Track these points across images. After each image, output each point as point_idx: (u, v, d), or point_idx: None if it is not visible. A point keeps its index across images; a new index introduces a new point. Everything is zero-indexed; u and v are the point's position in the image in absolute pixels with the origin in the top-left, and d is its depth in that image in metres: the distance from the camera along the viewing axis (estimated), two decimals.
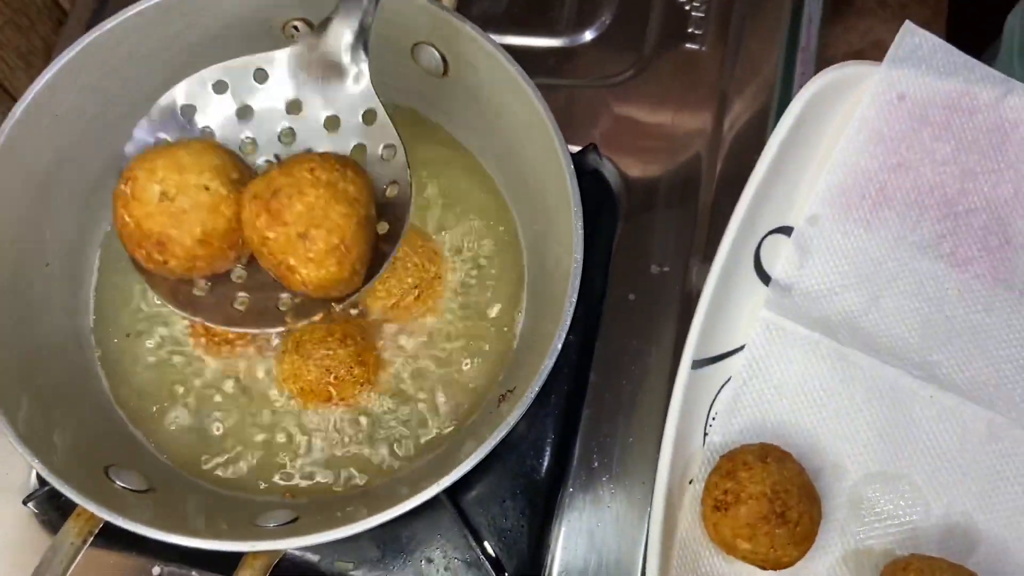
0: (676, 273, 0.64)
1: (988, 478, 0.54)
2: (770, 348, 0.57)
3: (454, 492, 0.58)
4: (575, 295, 0.49)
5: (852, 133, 0.59)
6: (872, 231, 0.59)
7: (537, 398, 0.50)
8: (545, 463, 0.60)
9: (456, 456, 0.47)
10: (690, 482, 0.54)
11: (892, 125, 0.59)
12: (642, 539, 0.57)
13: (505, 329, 0.59)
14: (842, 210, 0.59)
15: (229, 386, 0.59)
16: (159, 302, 0.53)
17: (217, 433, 0.58)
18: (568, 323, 0.49)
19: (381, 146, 0.50)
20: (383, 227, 0.49)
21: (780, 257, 0.59)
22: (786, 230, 0.59)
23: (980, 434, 0.55)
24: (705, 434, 0.56)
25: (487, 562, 0.56)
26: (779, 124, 0.58)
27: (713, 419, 0.56)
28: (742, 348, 0.57)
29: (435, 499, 0.52)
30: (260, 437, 0.58)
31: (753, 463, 0.51)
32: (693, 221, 0.66)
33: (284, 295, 0.49)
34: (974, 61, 0.57)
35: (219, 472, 0.57)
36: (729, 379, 0.57)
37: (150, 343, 0.59)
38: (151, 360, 0.59)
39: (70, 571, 0.47)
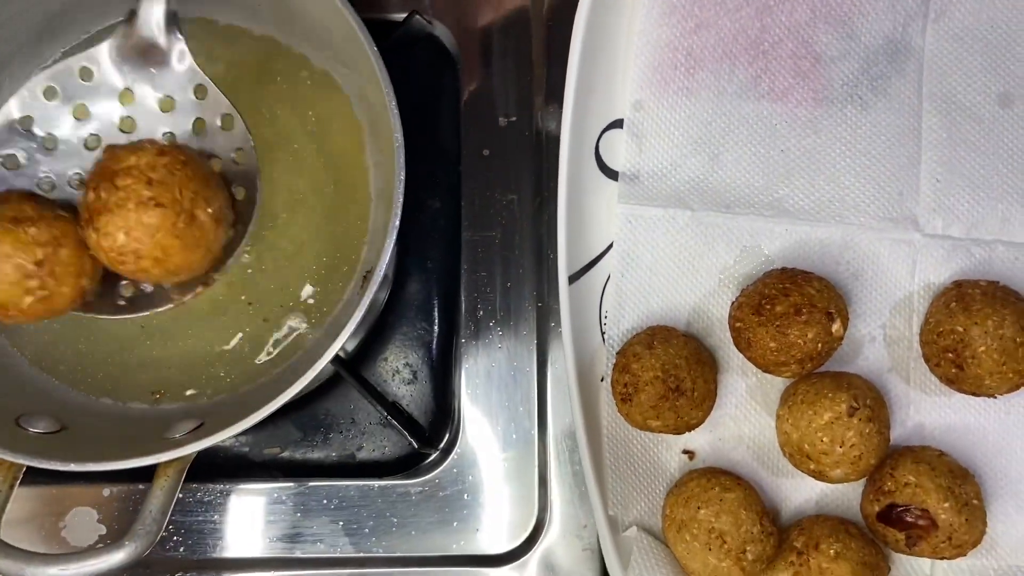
0: (524, 120, 0.68)
1: (846, 284, 0.61)
2: (635, 237, 0.62)
3: (356, 367, 0.67)
4: (403, 173, 0.55)
5: (645, 12, 0.61)
6: (694, 96, 0.62)
7: (415, 262, 0.62)
8: (435, 321, 0.69)
9: (334, 338, 0.54)
10: (601, 379, 0.61)
11: None
12: (533, 370, 0.65)
13: (359, 221, 0.63)
14: (661, 87, 0.62)
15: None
16: None
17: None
18: (400, 200, 0.54)
19: (218, 117, 0.54)
20: (240, 192, 0.55)
21: (620, 150, 0.63)
22: (617, 123, 0.63)
23: (836, 246, 0.61)
24: (602, 332, 0.62)
25: (396, 420, 0.64)
26: (574, 29, 0.60)
27: (605, 317, 0.62)
28: (611, 246, 0.62)
29: (339, 379, 0.64)
30: (151, 352, 0.63)
31: (641, 352, 0.57)
32: (530, 66, 0.69)
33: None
34: None
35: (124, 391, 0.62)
36: (609, 276, 0.62)
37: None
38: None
39: (6, 513, 0.53)
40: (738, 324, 0.57)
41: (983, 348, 0.54)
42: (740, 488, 0.56)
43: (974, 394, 0.57)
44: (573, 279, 0.61)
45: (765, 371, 0.58)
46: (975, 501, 0.55)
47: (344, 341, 0.53)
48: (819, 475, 0.56)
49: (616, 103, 0.63)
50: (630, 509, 0.60)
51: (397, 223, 0.54)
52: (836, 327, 0.55)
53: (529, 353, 0.65)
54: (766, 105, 0.62)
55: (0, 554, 0.50)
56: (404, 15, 0.67)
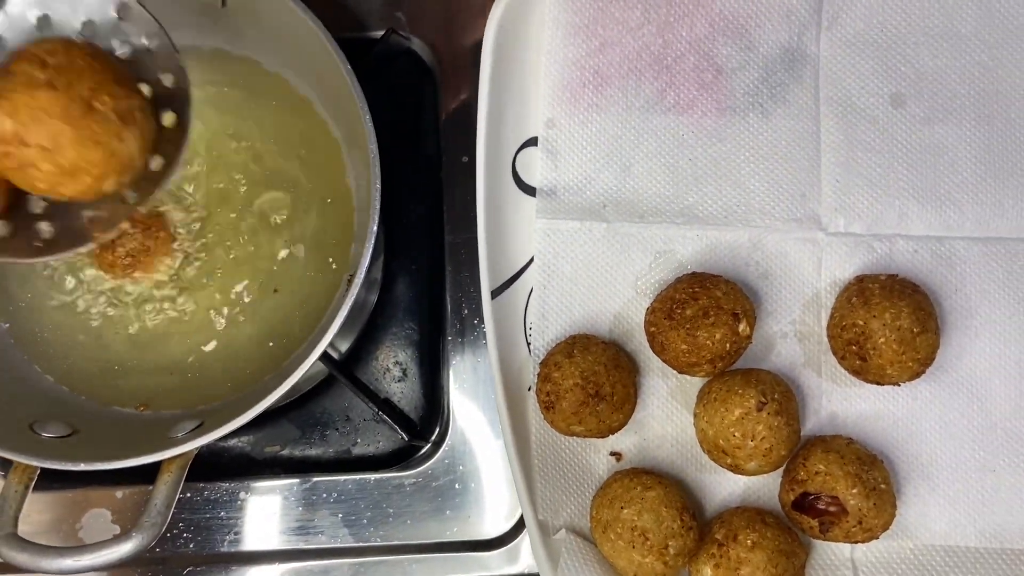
0: None
1: (756, 284, 0.64)
2: (555, 250, 0.64)
3: (349, 368, 0.71)
4: (379, 182, 0.59)
5: (551, 35, 0.64)
6: (603, 111, 0.65)
7: (401, 266, 0.68)
8: (422, 321, 0.73)
9: (322, 337, 0.57)
10: (529, 389, 0.64)
11: (582, 14, 0.64)
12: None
13: (344, 229, 0.67)
14: (571, 104, 0.65)
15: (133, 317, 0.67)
16: None
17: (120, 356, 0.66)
18: (378, 207, 0.58)
19: (143, 38, 0.50)
20: (170, 118, 0.51)
21: (536, 167, 0.65)
22: (532, 141, 0.65)
23: (745, 248, 0.64)
24: (528, 343, 0.64)
25: (388, 416, 0.68)
26: (483, 53, 0.62)
27: (530, 329, 0.64)
28: (532, 260, 0.65)
29: (334, 379, 0.68)
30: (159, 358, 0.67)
31: (561, 361, 0.60)
32: None
33: (87, 211, 0.50)
34: None
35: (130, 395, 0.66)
36: (532, 290, 0.65)
37: (51, 297, 0.67)
38: (53, 308, 0.67)
39: (23, 510, 0.57)
40: (652, 328, 0.60)
41: (883, 339, 0.57)
42: (661, 486, 0.58)
43: (879, 383, 0.60)
44: (496, 293, 0.63)
45: (680, 372, 0.61)
46: (883, 486, 0.57)
47: (330, 340, 0.57)
48: (736, 469, 0.58)
49: (530, 122, 0.65)
50: (560, 512, 0.62)
51: (375, 228, 0.58)
52: (743, 327, 0.58)
53: None
54: (672, 117, 0.64)
55: (18, 549, 0.54)
56: (382, 33, 0.71)
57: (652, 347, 0.61)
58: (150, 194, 0.50)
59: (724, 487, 0.63)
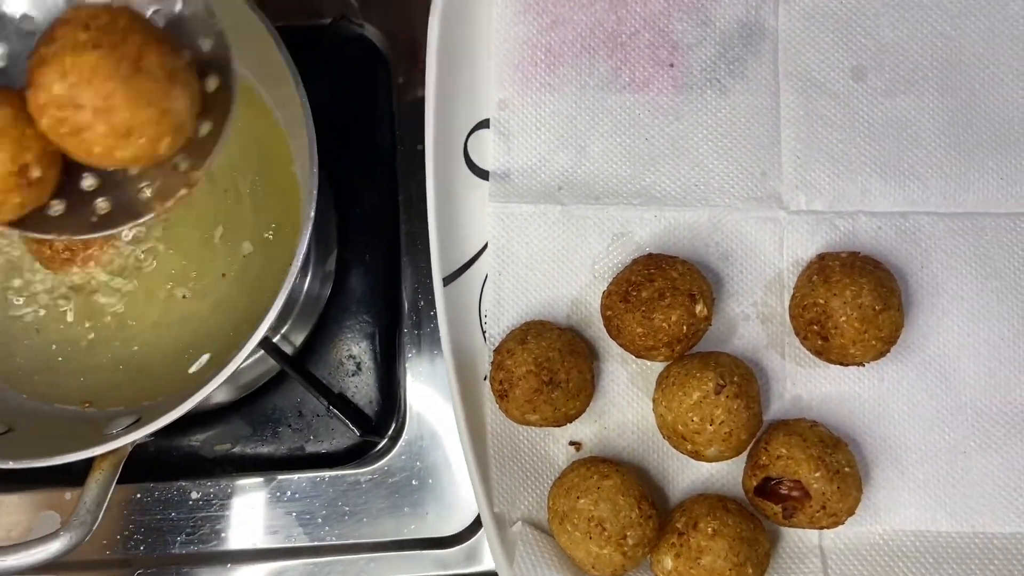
0: None
1: (717, 265, 0.62)
2: (509, 235, 0.62)
3: (301, 363, 0.69)
4: (315, 167, 0.56)
5: (500, 12, 0.62)
6: (556, 91, 0.63)
7: (356, 257, 0.66)
8: (378, 313, 0.71)
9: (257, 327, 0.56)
10: (484, 378, 0.62)
11: None
12: None
13: (292, 219, 0.64)
14: (523, 84, 0.63)
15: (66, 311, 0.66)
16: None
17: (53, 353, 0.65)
18: (315, 193, 0.56)
19: (179, 3, 0.49)
20: (214, 82, 0.49)
21: (488, 150, 0.63)
22: (484, 123, 0.63)
23: (704, 229, 0.62)
24: (483, 331, 0.63)
25: (341, 412, 0.67)
26: (429, 32, 0.60)
27: (486, 316, 0.63)
28: (486, 246, 0.63)
29: (284, 374, 0.66)
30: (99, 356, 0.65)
31: (514, 348, 0.58)
32: None
33: (143, 183, 0.49)
34: None
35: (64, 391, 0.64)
36: (487, 276, 0.63)
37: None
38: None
39: None
40: (608, 312, 0.58)
41: (844, 318, 0.55)
42: (618, 475, 0.56)
43: (843, 364, 0.58)
44: (448, 281, 0.61)
45: (638, 356, 0.59)
46: (847, 469, 0.55)
47: (265, 330, 0.55)
48: (696, 455, 0.57)
49: (481, 103, 0.63)
50: (517, 504, 0.60)
51: (312, 215, 0.56)
52: (699, 308, 0.56)
53: None
54: (628, 96, 0.63)
55: None
56: (328, 20, 0.70)
57: (608, 331, 0.59)
58: (203, 160, 0.48)
59: (688, 475, 0.61)
